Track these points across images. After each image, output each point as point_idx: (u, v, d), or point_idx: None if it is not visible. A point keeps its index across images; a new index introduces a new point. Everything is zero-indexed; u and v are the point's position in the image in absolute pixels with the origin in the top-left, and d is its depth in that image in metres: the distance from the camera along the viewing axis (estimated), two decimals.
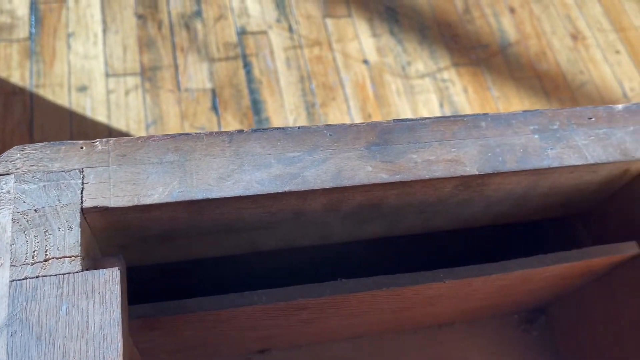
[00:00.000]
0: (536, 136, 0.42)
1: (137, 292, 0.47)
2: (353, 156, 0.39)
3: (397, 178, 0.39)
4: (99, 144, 0.35)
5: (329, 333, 0.49)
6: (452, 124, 0.42)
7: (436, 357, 0.53)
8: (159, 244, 0.41)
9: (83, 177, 0.34)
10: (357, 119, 1.29)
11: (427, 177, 0.39)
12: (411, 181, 0.39)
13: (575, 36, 1.56)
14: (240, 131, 0.38)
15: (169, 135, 0.37)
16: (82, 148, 0.35)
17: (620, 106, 0.46)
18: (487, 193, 0.43)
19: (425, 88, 1.40)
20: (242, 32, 1.36)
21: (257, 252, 0.47)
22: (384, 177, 0.39)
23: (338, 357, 0.51)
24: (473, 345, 0.54)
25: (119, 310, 0.31)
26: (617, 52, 1.57)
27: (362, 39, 1.43)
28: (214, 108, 1.25)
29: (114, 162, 0.35)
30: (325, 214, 0.41)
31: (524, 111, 0.44)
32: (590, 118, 0.44)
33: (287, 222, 0.41)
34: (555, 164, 0.41)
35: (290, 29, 1.40)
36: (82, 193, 0.34)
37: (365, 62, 1.40)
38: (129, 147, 0.36)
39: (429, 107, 1.37)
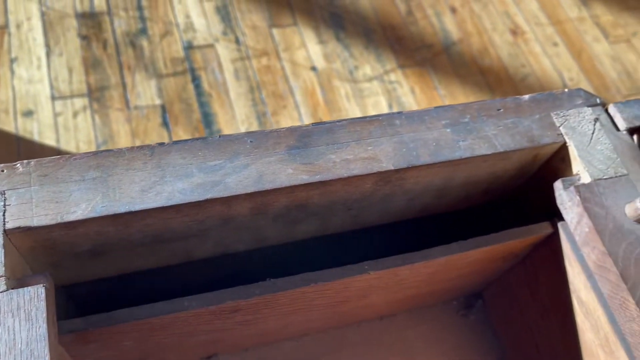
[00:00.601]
0: (448, 130, 0.45)
1: (86, 307, 0.48)
2: (274, 160, 0.41)
3: (317, 178, 0.41)
4: (19, 166, 0.36)
5: (273, 333, 0.51)
6: (368, 123, 0.44)
7: (380, 348, 0.55)
8: (92, 259, 0.42)
9: (5, 200, 0.35)
10: None
11: (345, 175, 0.41)
12: (331, 180, 0.41)
13: (515, 31, 1.62)
14: (162, 144, 0.40)
15: (90, 152, 0.38)
16: (2, 171, 0.36)
17: (526, 96, 0.49)
18: (407, 187, 0.46)
19: (374, 91, 1.43)
20: (189, 47, 1.37)
21: (196, 261, 0.48)
22: (304, 178, 0.40)
23: (285, 356, 0.52)
24: (415, 334, 0.56)
25: (45, 325, 0.32)
26: (555, 44, 1.63)
27: (309, 46, 1.45)
28: (165, 124, 1.26)
29: (35, 182, 0.36)
30: (254, 217, 0.43)
31: (436, 107, 0.47)
32: (499, 109, 0.47)
33: (217, 228, 0.43)
34: (467, 155, 0.44)
35: (237, 41, 1.41)
36: (4, 215, 0.34)
37: (314, 69, 1.42)
38: (50, 167, 0.37)
39: (378, 109, 1.41)
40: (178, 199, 0.38)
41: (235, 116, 1.31)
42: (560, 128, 0.47)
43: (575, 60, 1.61)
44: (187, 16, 1.42)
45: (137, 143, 1.21)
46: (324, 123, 0.44)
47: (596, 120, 0.48)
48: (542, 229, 0.47)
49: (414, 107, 1.43)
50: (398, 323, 0.56)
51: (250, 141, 0.41)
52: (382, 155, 0.43)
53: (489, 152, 0.45)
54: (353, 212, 0.47)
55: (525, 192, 0.53)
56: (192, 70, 1.34)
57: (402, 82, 1.46)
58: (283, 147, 0.41)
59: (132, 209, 0.37)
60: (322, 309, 0.47)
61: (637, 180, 0.45)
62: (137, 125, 1.25)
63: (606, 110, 0.50)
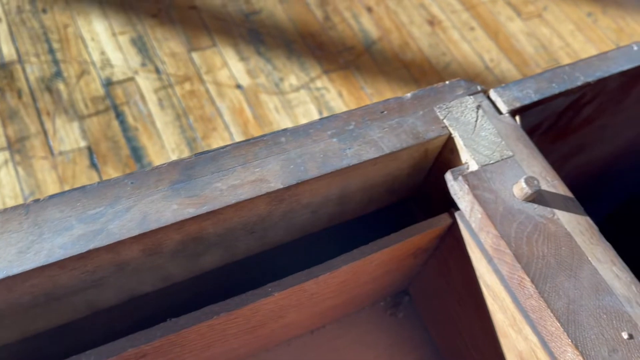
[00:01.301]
0: (334, 139, 0.45)
1: None
2: (157, 198, 0.40)
3: (205, 209, 0.40)
4: None
5: None
6: (253, 145, 0.44)
7: None
8: None
9: None
10: None
11: (234, 201, 0.41)
12: (220, 209, 0.41)
13: (432, 22, 1.66)
14: (37, 200, 0.39)
15: None
16: None
17: (409, 95, 0.50)
18: (304, 201, 0.46)
19: (302, 100, 1.43)
20: (108, 84, 1.35)
21: (103, 310, 0.47)
22: (190, 211, 0.40)
23: None
24: (347, 341, 0.56)
25: None
26: (472, 28, 1.68)
27: (231, 65, 1.45)
28: (93, 165, 1.23)
29: None
30: (150, 258, 0.42)
31: (322, 118, 0.47)
32: (383, 112, 0.48)
33: (114, 275, 0.42)
34: (355, 162, 0.45)
35: (157, 70, 1.40)
36: None
37: (239, 86, 1.42)
38: None
39: (309, 117, 1.41)
40: (59, 254, 0.37)
41: (165, 146, 1.29)
42: (444, 121, 0.48)
43: (493, 41, 1.66)
44: (102, 52, 1.40)
45: (66, 188, 1.18)
46: (208, 152, 0.43)
47: (478, 107, 0.49)
48: (442, 221, 0.48)
49: (344, 109, 1.44)
50: (328, 334, 0.56)
51: (131, 182, 0.40)
52: (270, 176, 0.43)
53: (376, 156, 0.45)
54: (257, 234, 0.47)
55: (428, 186, 0.54)
56: (115, 107, 1.32)
57: (328, 87, 1.47)
58: (166, 183, 0.41)
59: (10, 274, 0.35)
60: (239, 336, 0.46)
61: (522, 159, 0.47)
62: (64, 170, 1.22)
63: (488, 97, 0.51)
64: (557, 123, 0.57)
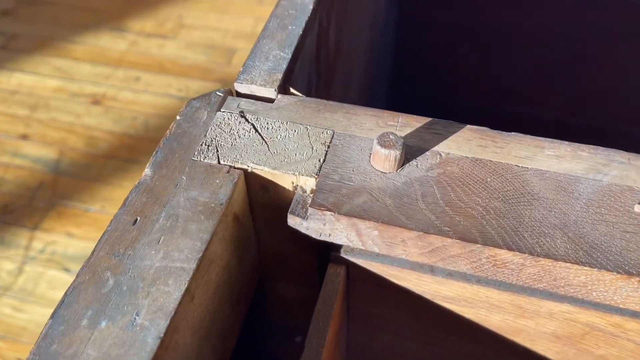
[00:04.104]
0: (103, 323, 0.24)
1: None
2: None
3: None
4: None
5: None
6: None
7: None
8: None
9: None
10: None
11: None
12: None
13: (96, 100, 1.44)
14: None
15: None
16: None
17: (147, 171, 0.30)
18: None
19: (36, 275, 1.10)
20: None
21: None
22: None
23: None
24: None
25: None
26: (137, 78, 1.50)
27: None
28: None
29: None
30: None
31: (55, 311, 0.25)
32: (136, 222, 0.28)
33: None
34: (164, 324, 0.24)
35: None
36: None
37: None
38: None
39: (60, 284, 1.09)
40: None
41: None
42: (222, 162, 0.30)
43: (164, 75, 1.52)
44: None
45: None
46: None
47: (242, 114, 0.32)
48: (335, 277, 0.30)
49: (88, 246, 1.15)
50: None
51: None
52: None
53: (185, 285, 0.25)
54: None
55: (278, 247, 0.36)
56: None
57: (52, 240, 1.16)
58: None
59: None
60: None
61: (346, 127, 0.32)
62: None
63: (240, 94, 0.34)
64: (319, 68, 0.44)
